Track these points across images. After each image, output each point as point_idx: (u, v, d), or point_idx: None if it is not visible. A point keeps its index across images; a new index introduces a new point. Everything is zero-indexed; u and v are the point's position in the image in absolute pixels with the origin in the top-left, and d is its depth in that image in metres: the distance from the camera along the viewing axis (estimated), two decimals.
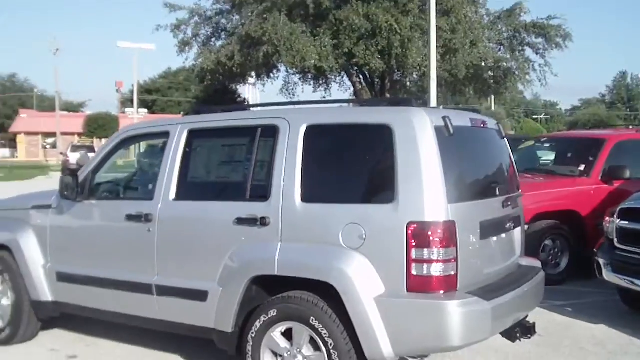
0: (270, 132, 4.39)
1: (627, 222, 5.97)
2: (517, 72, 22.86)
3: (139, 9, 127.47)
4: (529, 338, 4.55)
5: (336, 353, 3.93)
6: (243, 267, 4.31)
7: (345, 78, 25.58)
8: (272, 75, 26.30)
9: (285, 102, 4.99)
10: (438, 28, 18.90)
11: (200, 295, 4.48)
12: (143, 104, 63.95)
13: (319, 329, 3.97)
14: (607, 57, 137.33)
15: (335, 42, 20.90)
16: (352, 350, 3.92)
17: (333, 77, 25.69)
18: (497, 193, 4.41)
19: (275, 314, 4.14)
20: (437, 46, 19.22)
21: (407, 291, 3.78)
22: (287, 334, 4.17)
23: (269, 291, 4.31)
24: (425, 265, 3.76)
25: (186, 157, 4.80)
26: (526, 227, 7.56)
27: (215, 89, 27.42)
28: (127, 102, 63.99)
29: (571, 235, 7.98)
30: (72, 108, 67.53)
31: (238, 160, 4.85)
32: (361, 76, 25.22)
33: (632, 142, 8.73)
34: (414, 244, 3.75)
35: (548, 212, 7.88)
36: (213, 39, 24.47)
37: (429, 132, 3.88)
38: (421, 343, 3.87)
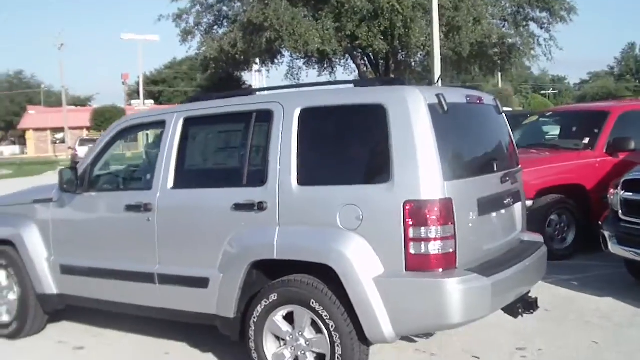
0: (265, 117, 4.37)
1: (631, 194, 5.92)
2: (522, 48, 22.64)
3: (142, 0, 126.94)
4: (532, 313, 4.52)
5: (337, 335, 3.93)
6: (242, 253, 4.31)
7: (350, 61, 25.47)
8: (276, 61, 26.23)
9: (278, 86, 4.96)
10: (440, 6, 18.73)
11: (201, 282, 4.49)
12: (150, 95, 64.06)
13: (320, 312, 3.98)
14: (615, 29, 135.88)
15: (337, 25, 20.75)
16: (354, 331, 3.92)
17: (337, 60, 25.56)
18: (495, 169, 4.38)
19: (276, 298, 4.15)
20: (440, 24, 19.05)
21: (406, 270, 3.77)
22: (289, 318, 4.17)
23: (270, 275, 4.32)
24: (423, 244, 3.74)
25: (183, 146, 4.80)
26: (531, 202, 7.63)
27: (220, 77, 27.41)
28: (133, 94, 64.08)
29: (577, 210, 7.92)
30: (80, 102, 67.71)
31: (234, 146, 4.85)
32: (365, 58, 25.09)
33: (636, 113, 8.60)
34: (411, 223, 3.73)
35: (553, 186, 7.83)
36: (215, 27, 24.34)
37: (423, 110, 3.84)
38: (421, 322, 3.87)
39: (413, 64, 26.07)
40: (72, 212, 5.32)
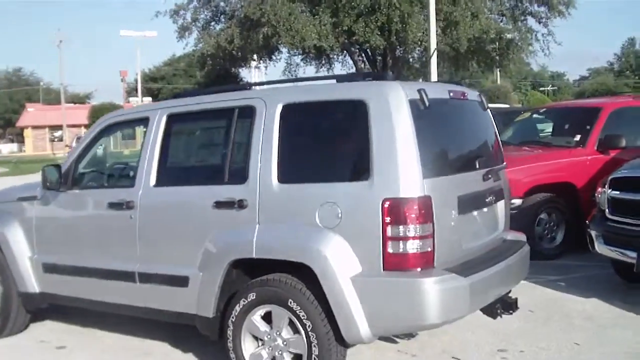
0: (247, 113, 4.33)
1: (618, 192, 5.85)
2: (519, 43, 22.58)
3: None
4: (511, 314, 4.48)
5: (314, 335, 3.89)
6: (222, 251, 4.27)
7: (348, 57, 25.40)
8: (274, 57, 26.20)
9: (262, 82, 4.90)
10: (438, 1, 18.68)
11: (181, 281, 4.46)
12: (149, 92, 63.86)
13: (297, 311, 3.94)
14: (615, 25, 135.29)
15: (334, 21, 20.74)
16: (331, 332, 3.88)
17: (335, 56, 25.54)
18: (477, 166, 4.32)
19: (254, 297, 4.11)
20: (437, 19, 19.02)
21: (384, 270, 3.73)
22: (267, 318, 4.13)
23: (250, 275, 4.28)
24: (401, 243, 3.69)
25: (166, 142, 4.76)
26: (521, 200, 7.59)
27: (218, 74, 27.31)
28: (132, 91, 63.86)
29: (567, 208, 7.86)
30: (79, 100, 67.57)
31: (217, 143, 4.80)
32: (363, 54, 25.03)
33: (628, 109, 8.53)
34: (390, 221, 3.69)
35: (543, 184, 7.78)
36: (212, 23, 24.34)
37: (404, 106, 3.79)
38: (399, 322, 3.83)
39: (411, 59, 26.02)
40: (55, 210, 5.28)
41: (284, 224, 4.05)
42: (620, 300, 5.90)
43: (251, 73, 34.51)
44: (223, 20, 23.96)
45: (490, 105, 17.05)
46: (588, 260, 7.03)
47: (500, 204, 4.65)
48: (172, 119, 4.77)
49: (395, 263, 3.71)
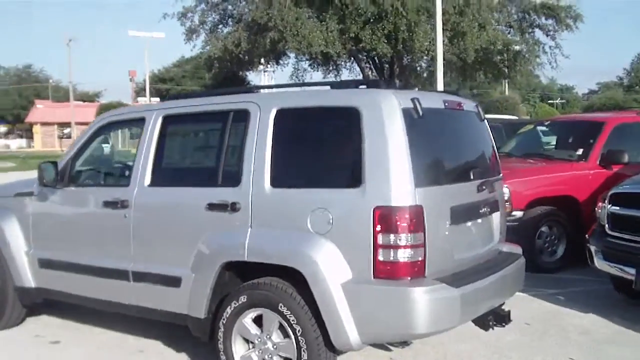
0: (242, 117, 4.33)
1: (618, 208, 5.81)
2: (527, 55, 22.55)
3: None
4: (503, 326, 4.44)
5: (304, 340, 3.88)
6: (214, 253, 4.27)
7: (355, 64, 25.41)
8: (281, 61, 26.24)
9: (257, 86, 4.91)
10: (445, 11, 18.69)
11: (174, 282, 4.46)
12: (157, 93, 64.03)
13: (288, 316, 3.93)
14: (626, 39, 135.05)
15: (341, 27, 20.76)
16: (320, 337, 3.86)
17: (342, 62, 25.55)
18: (472, 177, 4.29)
19: (245, 300, 4.11)
20: (444, 29, 19.03)
21: (374, 277, 3.71)
22: (258, 321, 4.12)
23: (243, 277, 4.27)
24: (392, 251, 3.68)
25: (161, 143, 4.77)
26: (522, 213, 7.57)
27: (225, 76, 27.36)
28: (141, 91, 64.05)
29: (568, 222, 7.81)
30: (88, 98, 67.80)
31: (211, 145, 4.79)
32: (370, 62, 25.04)
33: (632, 125, 8.48)
34: (381, 229, 3.68)
35: (544, 197, 7.75)
36: (220, 26, 24.40)
37: (397, 114, 3.78)
38: (387, 330, 3.80)
39: (418, 68, 26.02)
40: (51, 207, 5.31)
41: (276, 228, 4.04)
42: (619, 316, 5.85)
43: (260, 77, 34.53)
44: (231, 23, 24.03)
45: (498, 116, 17.02)
46: (588, 274, 6.96)
47: (496, 216, 4.62)
48: (168, 120, 4.77)
49: (385, 271, 3.69)
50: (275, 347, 4.05)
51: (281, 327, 4.01)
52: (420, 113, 3.87)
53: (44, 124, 59.23)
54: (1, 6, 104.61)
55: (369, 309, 3.73)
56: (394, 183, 3.69)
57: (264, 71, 30.71)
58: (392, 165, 3.70)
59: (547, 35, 22.82)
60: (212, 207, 4.28)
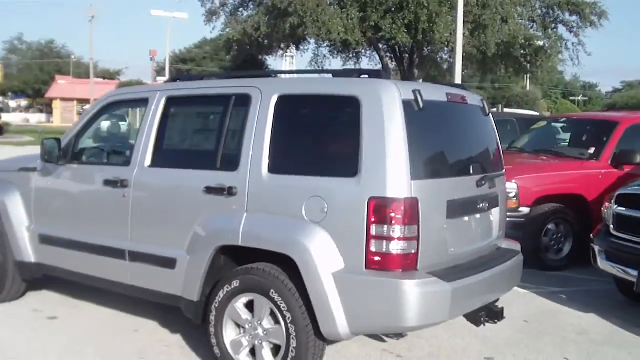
0: (243, 101, 4.31)
1: (623, 208, 5.73)
2: (548, 50, 22.24)
3: None
4: (495, 322, 4.40)
5: (293, 327, 3.87)
6: (209, 236, 4.27)
7: (375, 52, 25.22)
8: (301, 47, 26.10)
9: (259, 72, 4.88)
10: (467, 2, 18.45)
11: (169, 263, 4.47)
12: (178, 73, 64.20)
13: (278, 302, 3.92)
14: None
15: (361, 15, 20.58)
16: (310, 325, 3.85)
17: (362, 50, 25.36)
18: (471, 171, 4.24)
19: (237, 284, 4.10)
20: (466, 21, 18.78)
21: (365, 268, 3.69)
22: (250, 306, 4.12)
23: (238, 262, 4.27)
24: (384, 242, 3.65)
25: (163, 124, 4.76)
26: (528, 209, 7.49)
27: (244, 59, 27.29)
28: (161, 70, 64.23)
29: (576, 220, 7.72)
30: (109, 75, 68.10)
31: (212, 128, 4.78)
32: (390, 51, 24.84)
33: None
34: (374, 219, 3.65)
35: (552, 195, 7.64)
36: (240, 9, 24.24)
37: (396, 105, 3.74)
38: (377, 322, 3.78)
39: (438, 59, 25.77)
40: (52, 183, 5.33)
41: (271, 214, 4.03)
42: (619, 317, 5.79)
43: (279, 61, 34.44)
44: (251, 6, 23.88)
45: (519, 111, 16.87)
46: (593, 274, 6.86)
47: (495, 211, 4.56)
48: (171, 101, 4.76)
49: (377, 262, 3.67)
50: (265, 332, 4.05)
51: (272, 313, 4.01)
52: (421, 105, 3.81)
53: (63, 99, 59.65)
54: None
55: (359, 300, 3.71)
56: (390, 174, 3.65)
57: (284, 55, 30.56)
58: (389, 156, 3.66)
59: (570, 32, 22.47)
60: (209, 190, 4.27)
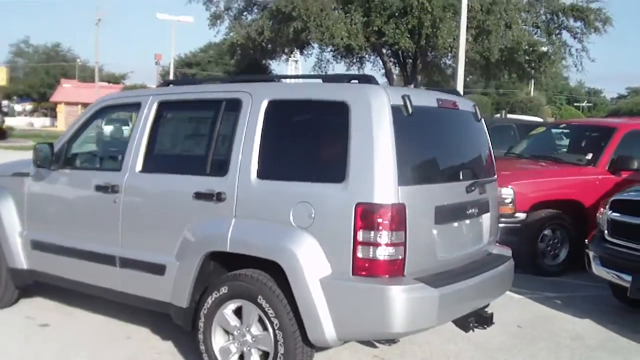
0: (234, 106, 4.30)
1: (618, 215, 5.71)
2: (552, 57, 22.19)
3: None
4: (484, 328, 4.38)
5: (281, 334, 3.86)
6: (198, 243, 4.26)
7: (379, 58, 25.22)
8: (305, 52, 26.15)
9: (250, 76, 4.85)
10: (471, 8, 18.44)
11: (158, 269, 4.45)
12: (183, 77, 64.21)
13: (266, 309, 3.90)
14: None
15: (365, 20, 20.62)
16: (298, 332, 3.84)
17: (366, 55, 25.37)
18: (461, 177, 4.22)
19: (226, 291, 4.09)
20: (469, 27, 18.79)
21: (353, 274, 3.67)
22: (238, 312, 4.11)
23: (228, 268, 4.25)
24: (371, 248, 3.63)
25: (155, 129, 4.76)
26: (525, 215, 7.46)
27: (248, 64, 27.34)
28: (167, 74, 64.39)
29: (572, 226, 7.69)
30: (114, 79, 68.22)
31: (202, 133, 4.77)
32: (393, 56, 24.84)
33: None
34: (361, 225, 3.63)
35: (549, 200, 7.62)
36: (245, 13, 24.33)
37: (385, 111, 3.72)
38: (364, 328, 3.76)
39: (442, 65, 25.75)
40: (45, 188, 5.32)
41: (259, 220, 4.01)
42: (614, 323, 5.77)
43: (283, 66, 34.45)
44: (256, 11, 23.97)
45: (523, 117, 16.97)
46: (589, 280, 6.81)
47: (486, 217, 4.54)
48: (163, 106, 4.76)
49: (364, 268, 3.65)
50: (254, 339, 4.04)
51: (260, 320, 3.99)
52: (410, 110, 3.80)
53: (68, 103, 59.75)
54: None
55: (346, 306, 3.69)
56: (377, 180, 3.64)
57: (290, 60, 30.58)
58: (377, 162, 3.65)
59: (575, 38, 22.44)
60: (198, 196, 4.26)
